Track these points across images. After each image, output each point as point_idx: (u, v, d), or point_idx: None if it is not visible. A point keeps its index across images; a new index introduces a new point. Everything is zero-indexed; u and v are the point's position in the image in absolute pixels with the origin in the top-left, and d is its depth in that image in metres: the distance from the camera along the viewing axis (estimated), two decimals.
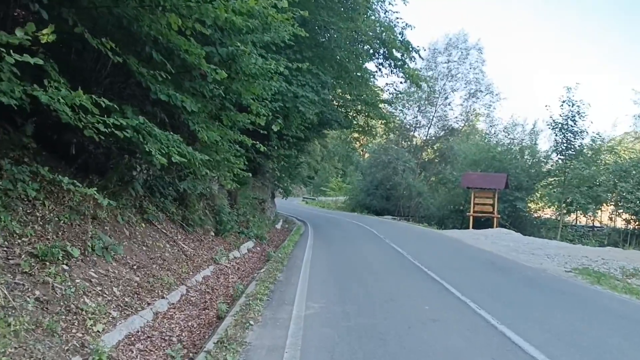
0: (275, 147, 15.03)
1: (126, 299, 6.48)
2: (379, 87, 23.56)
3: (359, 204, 42.97)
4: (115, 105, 5.95)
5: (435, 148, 43.54)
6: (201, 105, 8.07)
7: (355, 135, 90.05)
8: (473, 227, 26.15)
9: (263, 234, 16.89)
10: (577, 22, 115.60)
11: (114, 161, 9.16)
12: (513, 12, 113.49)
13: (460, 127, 43.30)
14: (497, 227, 25.79)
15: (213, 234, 13.28)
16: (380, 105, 23.87)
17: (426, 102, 41.03)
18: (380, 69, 17.08)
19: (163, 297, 7.26)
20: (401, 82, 23.72)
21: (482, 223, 27.39)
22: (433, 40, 52.89)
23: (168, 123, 9.47)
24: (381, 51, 15.71)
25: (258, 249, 15.20)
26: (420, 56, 16.45)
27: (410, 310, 6.93)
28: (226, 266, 11.01)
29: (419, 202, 36.88)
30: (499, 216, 26.85)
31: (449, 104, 42.14)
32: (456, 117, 42.78)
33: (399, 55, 15.57)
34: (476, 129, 44.29)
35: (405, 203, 38.71)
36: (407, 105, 38.06)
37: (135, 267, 7.64)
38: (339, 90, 16.90)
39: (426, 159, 43.16)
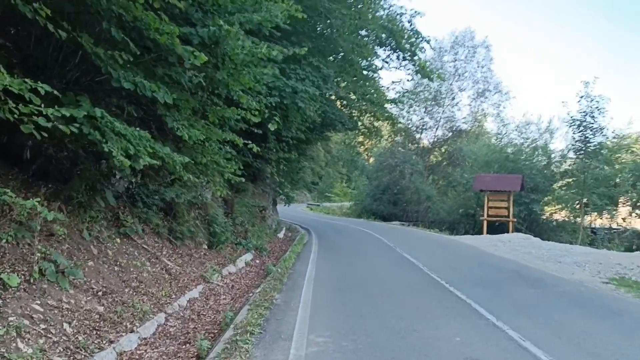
0: (274, 150, 13.68)
1: (80, 338, 5.14)
2: (385, 86, 22.20)
3: (365, 209, 41.57)
4: (56, 92, 4.64)
5: (443, 150, 42.09)
6: (178, 97, 6.75)
7: (360, 139, 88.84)
8: (487, 233, 24.67)
9: (263, 245, 15.56)
10: (583, 19, 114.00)
11: (82, 167, 7.86)
12: (518, 9, 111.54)
13: (469, 128, 41.85)
14: (512, 231, 24.30)
15: (206, 247, 11.95)
16: (386, 105, 22.54)
17: (433, 103, 39.65)
18: (387, 62, 15.77)
19: (132, 331, 5.91)
20: (408, 80, 22.41)
21: (496, 228, 25.91)
22: (439, 38, 51.53)
23: (144, 120, 8.18)
24: (388, 42, 14.38)
25: (257, 261, 13.85)
26: (430, 46, 15.09)
27: (439, 344, 5.54)
28: (218, 285, 9.66)
29: (428, 207, 35.41)
30: (515, 220, 25.36)
31: (457, 104, 40.79)
32: (464, 118, 41.36)
33: (407, 45, 14.22)
34: (485, 129, 42.90)
35: (413, 208, 37.25)
36: (413, 105, 36.63)
37: (100, 293, 6.30)
38: (343, 85, 15.56)
39: (434, 162, 41.71)
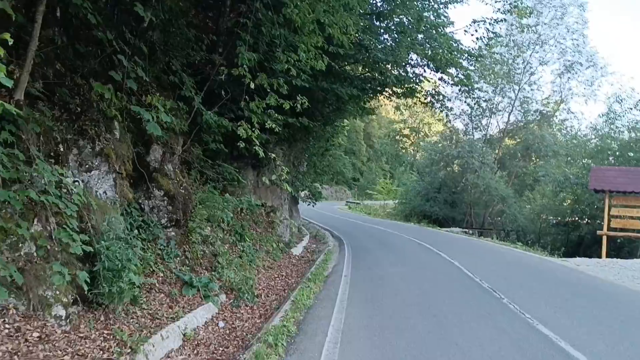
0: (248, 81, 6.26)
1: None
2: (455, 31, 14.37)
3: (415, 210, 33.57)
4: None
5: (518, 139, 33.34)
6: None
7: (406, 132, 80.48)
8: (607, 255, 16.40)
9: (249, 282, 8.34)
10: None
11: None
12: None
13: (551, 112, 33.07)
14: None
15: (63, 312, 4.78)
16: (461, 60, 14.94)
17: (504, 81, 31.20)
18: None
19: None
20: (497, 21, 14.63)
21: (617, 247, 17.73)
22: None
23: None
24: None
25: (221, 324, 6.68)
26: None
27: None
28: None
29: (501, 212, 27.17)
30: None
31: (535, 82, 32.10)
32: (546, 99, 32.60)
33: None
34: (572, 113, 34.01)
35: (479, 211, 29.10)
36: (480, 80, 28.11)
37: None
38: None
39: (504, 154, 32.99)
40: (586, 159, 22.20)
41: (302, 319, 6.38)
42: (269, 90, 6.58)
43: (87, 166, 5.60)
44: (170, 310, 6.36)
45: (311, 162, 15.89)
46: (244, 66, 6.02)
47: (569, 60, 30.81)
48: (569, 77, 31.43)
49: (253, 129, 6.62)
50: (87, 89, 5.91)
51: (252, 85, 6.27)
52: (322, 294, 8.06)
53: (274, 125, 7.06)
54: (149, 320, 5.83)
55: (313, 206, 19.60)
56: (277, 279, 10.08)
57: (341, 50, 7.64)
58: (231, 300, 7.66)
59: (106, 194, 5.79)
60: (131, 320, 5.63)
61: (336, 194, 66.32)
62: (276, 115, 7.10)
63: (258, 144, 6.66)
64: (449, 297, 8.30)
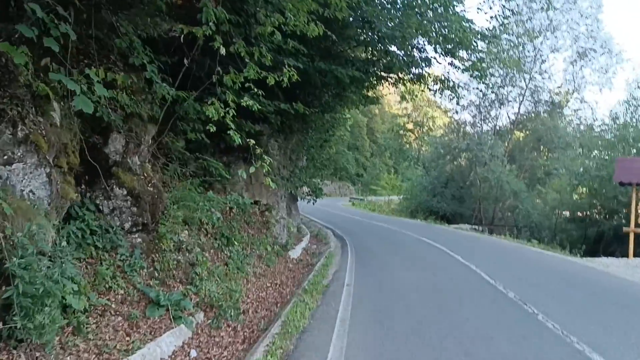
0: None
1: None
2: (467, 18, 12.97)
3: (421, 206, 32.12)
4: None
5: (528, 131, 31.83)
6: None
7: (410, 126, 78.95)
8: (634, 254, 14.99)
9: (234, 295, 7.02)
10: None
11: None
12: None
13: (564, 101, 31.57)
14: None
15: None
16: (475, 42, 13.64)
17: (514, 70, 29.67)
18: None
19: None
20: None
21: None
22: None
23: None
24: None
25: (191, 356, 5.38)
26: None
27: None
28: None
29: (515, 207, 25.72)
30: None
31: (546, 71, 30.60)
32: (558, 88, 31.09)
33: None
34: (586, 102, 32.44)
35: (487, 206, 27.69)
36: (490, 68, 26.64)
37: None
38: None
39: (515, 146, 31.49)
40: (603, 150, 20.75)
41: (292, 350, 5.05)
42: (247, 60, 5.27)
43: (5, 157, 4.27)
44: (127, 339, 5.06)
45: (309, 155, 14.58)
46: (210, 24, 4.70)
47: (582, 47, 29.40)
48: (582, 65, 29.98)
49: (227, 110, 5.31)
50: (10, 59, 4.61)
51: (223, 51, 4.94)
52: (319, 311, 6.73)
53: (251, 103, 5.71)
54: (94, 356, 4.53)
55: (313, 204, 18.31)
56: (270, 288, 8.76)
57: (339, 14, 6.31)
58: (210, 320, 6.34)
59: (34, 193, 4.46)
60: (68, 357, 4.34)
61: (340, 190, 65.00)
62: (255, 89, 5.73)
63: (233, 127, 5.34)
64: (471, 313, 6.95)
